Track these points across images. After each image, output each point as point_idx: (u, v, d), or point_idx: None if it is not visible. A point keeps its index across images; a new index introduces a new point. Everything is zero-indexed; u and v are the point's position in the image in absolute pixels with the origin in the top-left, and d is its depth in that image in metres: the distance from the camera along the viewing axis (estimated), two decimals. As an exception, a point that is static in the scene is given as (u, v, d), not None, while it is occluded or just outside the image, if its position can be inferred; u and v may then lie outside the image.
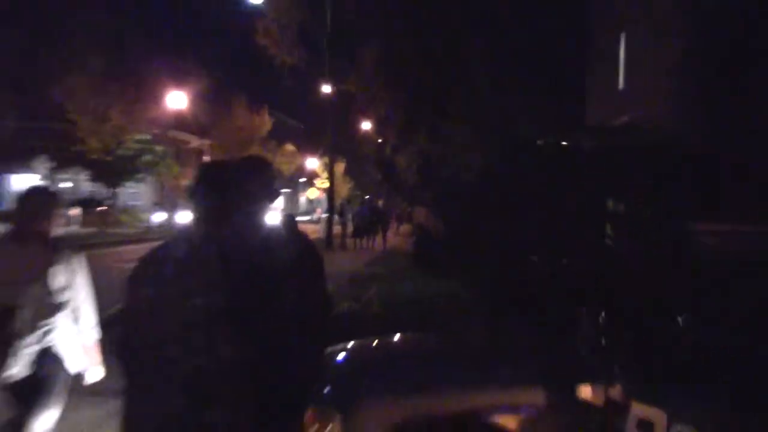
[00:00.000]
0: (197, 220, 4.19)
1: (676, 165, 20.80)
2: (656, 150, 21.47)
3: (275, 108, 73.93)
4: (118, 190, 57.06)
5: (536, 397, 5.36)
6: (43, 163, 46.34)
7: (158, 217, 55.14)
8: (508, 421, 5.32)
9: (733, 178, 17.88)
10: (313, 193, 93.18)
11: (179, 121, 57.81)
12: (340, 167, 71.96)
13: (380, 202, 62.19)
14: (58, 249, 6.22)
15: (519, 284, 19.80)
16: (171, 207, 55.82)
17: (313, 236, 36.93)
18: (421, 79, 42.16)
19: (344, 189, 76.86)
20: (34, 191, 6.43)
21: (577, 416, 5.27)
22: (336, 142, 48.77)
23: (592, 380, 5.28)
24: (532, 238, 22.78)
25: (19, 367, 5.91)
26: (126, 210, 58.31)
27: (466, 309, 17.15)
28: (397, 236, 50.97)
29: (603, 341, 5.62)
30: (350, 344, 6.68)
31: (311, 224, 59.26)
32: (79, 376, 6.44)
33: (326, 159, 53.83)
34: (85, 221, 51.83)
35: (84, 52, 49.60)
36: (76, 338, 6.32)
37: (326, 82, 44.24)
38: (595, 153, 24.34)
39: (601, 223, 21.14)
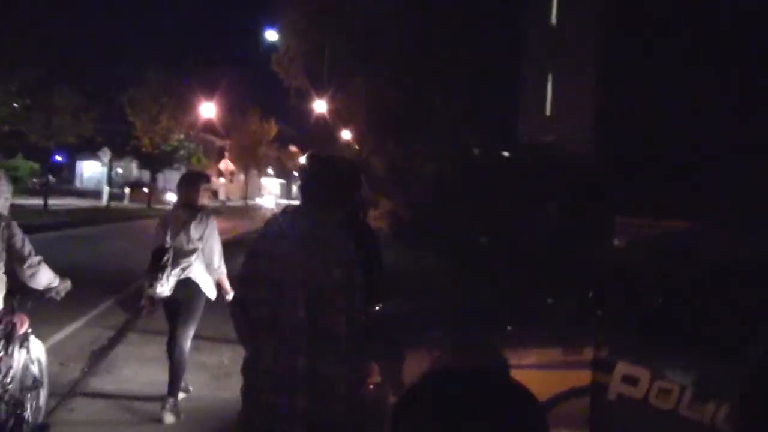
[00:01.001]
0: (314, 204, 3.65)
1: (591, 174, 20.81)
2: (575, 161, 21.53)
3: (282, 118, 74.14)
4: (158, 175, 57.10)
5: (540, 357, 5.10)
6: (105, 154, 45.93)
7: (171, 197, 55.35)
8: (517, 376, 5.07)
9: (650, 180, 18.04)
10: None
11: (207, 126, 57.71)
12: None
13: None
14: (198, 213, 6.87)
15: (475, 256, 19.83)
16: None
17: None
18: (392, 103, 42.83)
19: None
20: (187, 174, 7.50)
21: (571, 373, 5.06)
22: (324, 146, 49.11)
23: (582, 343, 5.08)
24: (479, 222, 22.74)
25: (165, 289, 6.59)
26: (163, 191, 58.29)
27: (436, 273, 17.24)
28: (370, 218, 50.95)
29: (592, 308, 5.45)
30: (388, 303, 5.81)
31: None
32: (209, 299, 6.96)
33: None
34: (132, 198, 52.24)
35: (143, 69, 51.11)
36: (207, 274, 6.88)
37: (322, 100, 44.81)
38: (526, 162, 24.36)
39: (531, 214, 21.12)
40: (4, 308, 5.19)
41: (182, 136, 55.09)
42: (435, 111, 42.29)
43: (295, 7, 40.85)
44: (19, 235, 5.37)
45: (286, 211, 3.75)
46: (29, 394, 5.47)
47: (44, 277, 5.49)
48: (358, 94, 45.34)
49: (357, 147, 54.05)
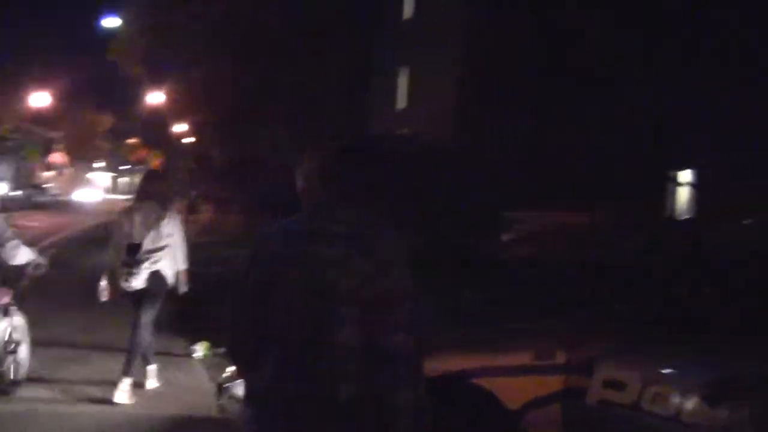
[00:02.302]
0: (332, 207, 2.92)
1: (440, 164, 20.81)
2: (430, 152, 21.49)
3: (118, 109, 71.07)
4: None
5: (512, 359, 4.73)
6: None
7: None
8: (487, 382, 4.66)
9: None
10: (135, 178, 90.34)
11: (37, 116, 54.70)
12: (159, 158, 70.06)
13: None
14: (168, 210, 7.33)
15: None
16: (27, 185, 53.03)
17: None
18: (235, 94, 42.05)
19: (163, 175, 74.98)
20: (154, 171, 8.55)
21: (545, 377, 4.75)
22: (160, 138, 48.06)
23: (558, 345, 4.75)
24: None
25: (139, 282, 6.99)
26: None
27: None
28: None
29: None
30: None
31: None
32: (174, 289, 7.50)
33: (156, 152, 52.43)
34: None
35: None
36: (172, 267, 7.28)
37: (160, 91, 43.32)
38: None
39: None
40: None
41: (8, 126, 52.01)
42: (279, 102, 41.72)
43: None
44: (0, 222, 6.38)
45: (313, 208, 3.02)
46: (10, 355, 6.81)
47: (23, 256, 6.50)
48: (200, 84, 44.19)
49: (194, 139, 52.67)
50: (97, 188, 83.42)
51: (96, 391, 7.20)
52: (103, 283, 7.20)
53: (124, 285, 7.02)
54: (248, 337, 2.93)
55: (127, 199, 68.69)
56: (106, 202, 64.08)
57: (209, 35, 39.51)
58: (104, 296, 7.27)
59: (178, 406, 7.00)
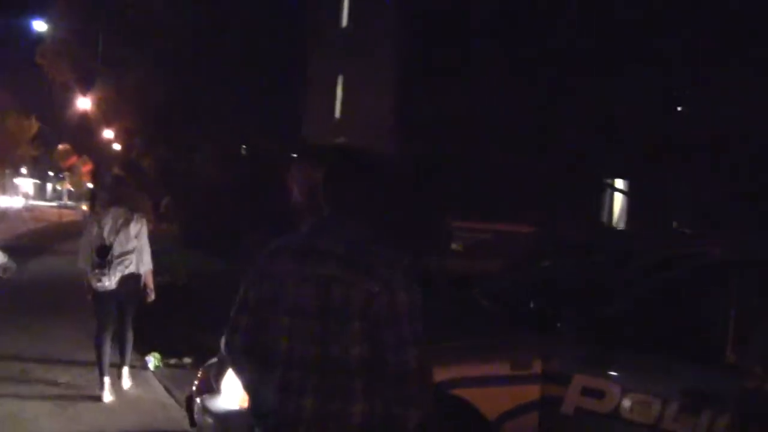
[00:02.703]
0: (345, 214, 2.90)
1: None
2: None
3: (43, 115, 69.01)
4: None
5: (489, 370, 4.70)
6: None
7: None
8: (464, 392, 4.61)
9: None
10: (63, 184, 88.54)
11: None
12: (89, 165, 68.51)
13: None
14: (134, 213, 7.77)
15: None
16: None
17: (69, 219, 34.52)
18: (164, 102, 41.62)
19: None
20: (120, 177, 9.09)
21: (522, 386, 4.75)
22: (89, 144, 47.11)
23: (534, 354, 4.77)
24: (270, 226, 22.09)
25: (112, 283, 7.39)
26: None
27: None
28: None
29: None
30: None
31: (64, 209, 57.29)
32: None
33: (84, 158, 51.42)
34: None
35: None
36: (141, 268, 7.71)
37: (87, 98, 42.43)
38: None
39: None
40: None
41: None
42: (209, 110, 41.31)
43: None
44: None
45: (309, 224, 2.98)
46: None
47: None
48: (128, 90, 43.52)
49: (120, 147, 51.75)
50: (18, 195, 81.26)
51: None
52: (87, 286, 7.60)
53: (97, 285, 7.39)
54: (251, 355, 2.90)
55: (55, 206, 67.15)
56: (29, 209, 62.63)
57: (137, 40, 38.97)
58: (89, 297, 7.68)
59: (144, 421, 6.87)
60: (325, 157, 3.10)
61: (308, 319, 2.75)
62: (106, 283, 7.37)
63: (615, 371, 4.55)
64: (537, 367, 4.73)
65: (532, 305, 5.36)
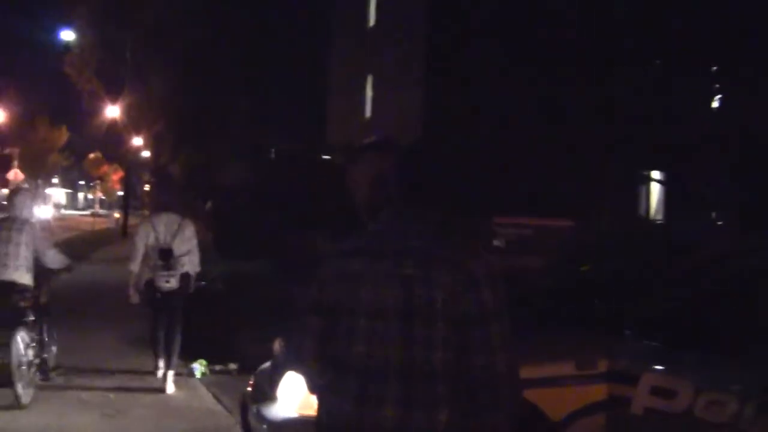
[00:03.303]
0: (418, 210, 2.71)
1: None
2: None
3: (74, 124, 69.60)
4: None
5: (554, 370, 4.54)
6: None
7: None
8: (529, 393, 4.45)
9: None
10: (94, 193, 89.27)
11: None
12: (119, 173, 69.01)
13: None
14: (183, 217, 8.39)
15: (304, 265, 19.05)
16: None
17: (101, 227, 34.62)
18: (190, 108, 41.97)
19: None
20: (168, 179, 9.18)
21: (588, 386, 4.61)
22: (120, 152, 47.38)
23: (599, 353, 4.64)
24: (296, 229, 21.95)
25: (174, 283, 7.96)
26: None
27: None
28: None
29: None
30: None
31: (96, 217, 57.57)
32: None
33: (115, 166, 51.76)
34: None
35: None
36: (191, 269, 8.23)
37: (116, 106, 42.72)
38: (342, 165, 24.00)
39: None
40: None
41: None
42: (236, 113, 41.51)
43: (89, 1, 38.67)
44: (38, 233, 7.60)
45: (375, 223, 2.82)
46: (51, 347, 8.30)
47: (60, 261, 7.77)
48: (155, 97, 43.81)
49: (150, 153, 52.06)
50: (48, 204, 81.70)
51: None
52: (132, 288, 8.14)
53: (164, 286, 7.93)
54: (323, 361, 2.75)
55: (87, 215, 67.60)
56: (59, 218, 63.07)
57: (163, 46, 39.17)
58: (135, 299, 8.25)
59: (195, 428, 6.83)
60: (396, 146, 2.97)
61: (389, 321, 2.58)
62: (173, 284, 7.93)
63: (687, 370, 4.37)
64: (603, 366, 4.58)
65: (596, 303, 5.19)
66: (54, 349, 8.34)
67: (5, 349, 6.84)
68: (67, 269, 8.02)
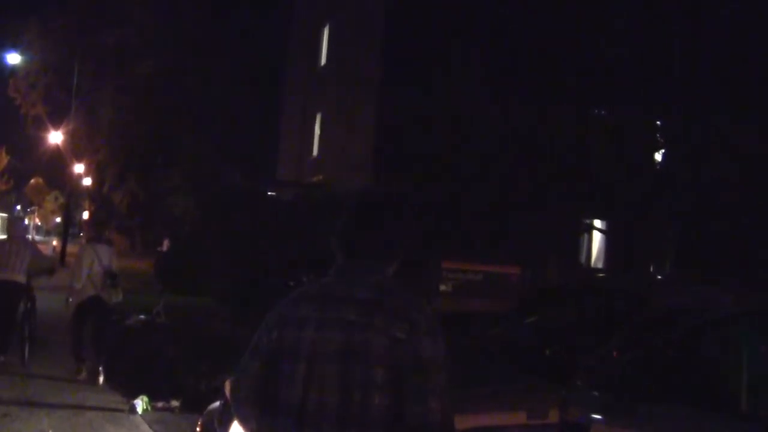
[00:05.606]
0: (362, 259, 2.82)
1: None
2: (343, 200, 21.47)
3: (15, 149, 67.98)
4: None
5: (505, 419, 4.57)
6: None
7: None
8: None
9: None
10: (31, 219, 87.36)
11: None
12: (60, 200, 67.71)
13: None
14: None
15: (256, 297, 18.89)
16: None
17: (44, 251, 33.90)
18: (138, 137, 41.69)
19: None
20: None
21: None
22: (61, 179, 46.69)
23: (550, 403, 4.69)
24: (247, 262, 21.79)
25: (120, 297, 9.78)
26: None
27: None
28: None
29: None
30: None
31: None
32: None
33: (56, 192, 50.96)
34: None
35: None
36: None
37: (58, 131, 42.17)
38: (293, 201, 23.94)
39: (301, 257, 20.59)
40: None
41: None
42: (184, 147, 41.26)
43: (38, 25, 38.28)
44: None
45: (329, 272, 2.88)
46: None
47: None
48: (101, 125, 43.38)
49: (91, 181, 51.38)
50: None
51: None
52: (71, 298, 9.67)
53: (114, 300, 9.76)
54: (259, 405, 2.77)
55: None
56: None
57: (111, 74, 38.92)
58: (72, 307, 9.68)
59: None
60: (343, 204, 3.02)
61: (328, 364, 2.63)
62: (120, 297, 9.85)
63: (636, 421, 4.44)
64: (554, 416, 4.62)
65: (547, 353, 5.26)
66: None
67: None
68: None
